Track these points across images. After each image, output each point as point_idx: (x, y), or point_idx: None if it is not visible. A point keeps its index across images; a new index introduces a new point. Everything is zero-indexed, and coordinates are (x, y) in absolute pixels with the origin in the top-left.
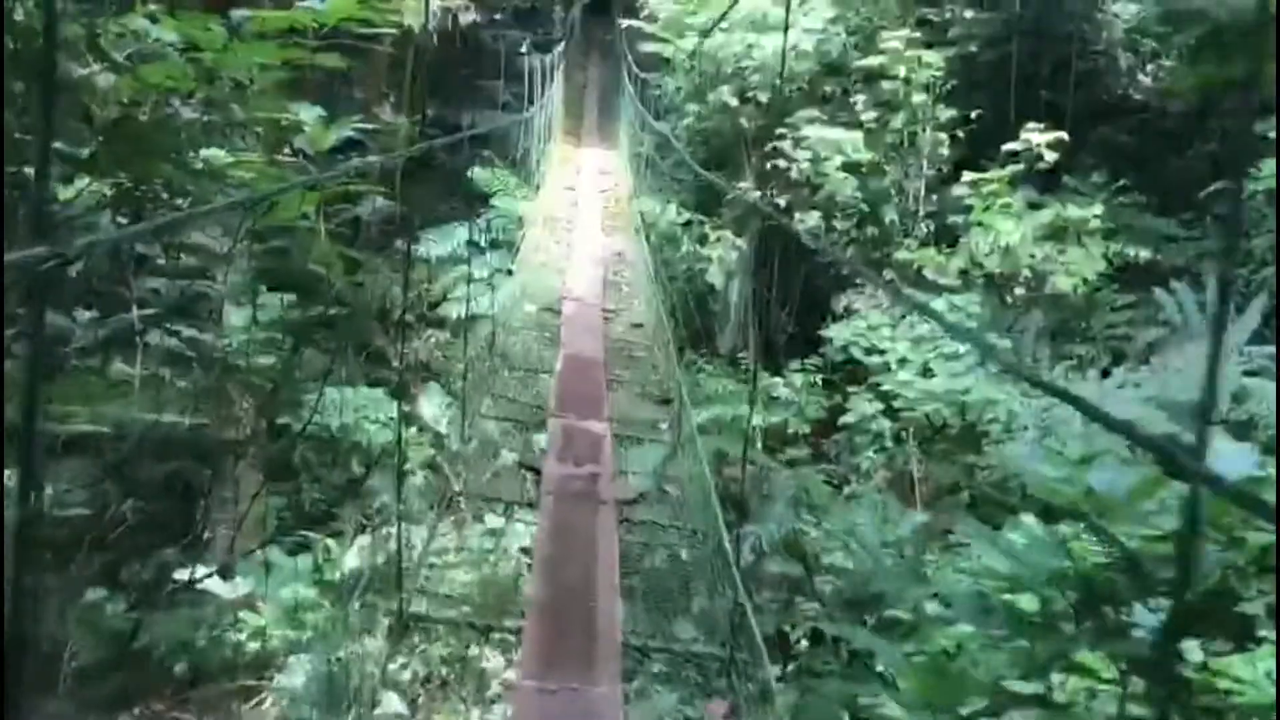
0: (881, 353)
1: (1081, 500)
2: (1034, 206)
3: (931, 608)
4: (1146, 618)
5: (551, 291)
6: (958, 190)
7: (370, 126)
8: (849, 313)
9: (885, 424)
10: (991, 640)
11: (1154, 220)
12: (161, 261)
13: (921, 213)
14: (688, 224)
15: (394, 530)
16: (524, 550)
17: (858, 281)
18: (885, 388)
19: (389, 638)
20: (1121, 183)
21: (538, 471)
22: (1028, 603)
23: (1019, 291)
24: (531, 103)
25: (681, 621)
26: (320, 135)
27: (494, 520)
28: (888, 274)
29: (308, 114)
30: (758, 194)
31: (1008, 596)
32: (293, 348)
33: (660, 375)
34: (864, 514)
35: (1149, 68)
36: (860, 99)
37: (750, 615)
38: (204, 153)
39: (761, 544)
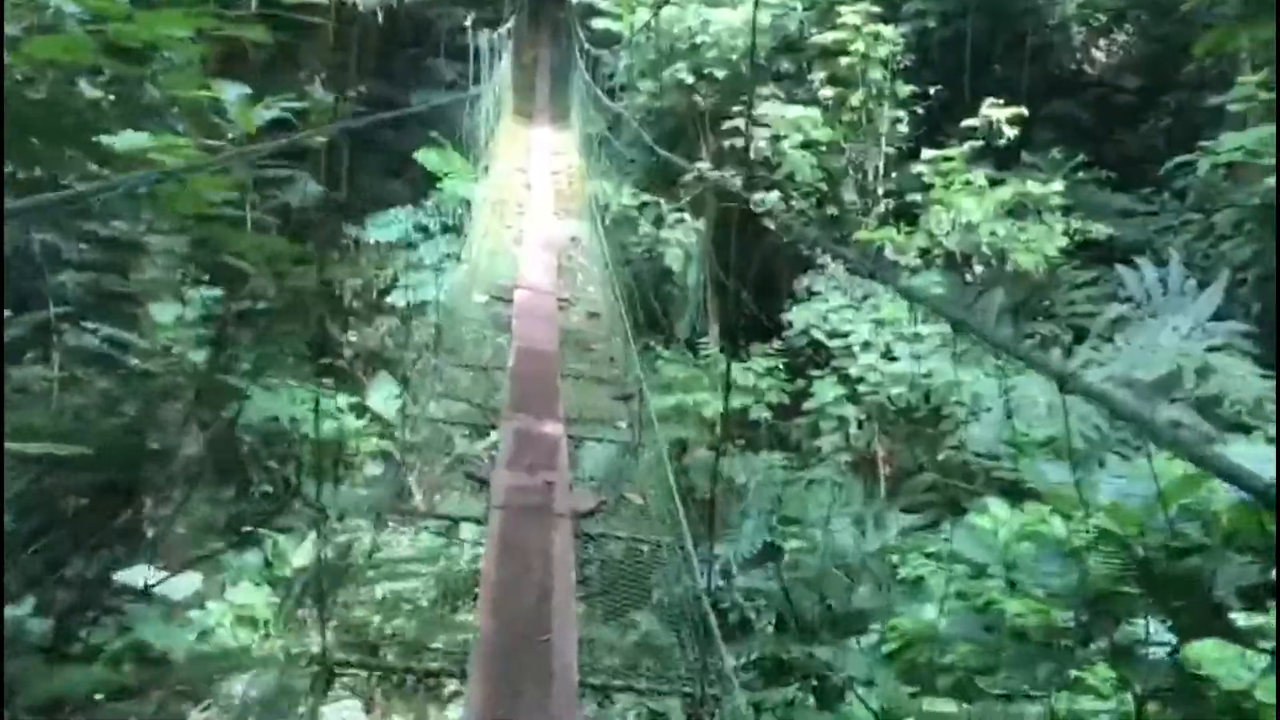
0: (844, 335)
1: (1091, 506)
2: (993, 183)
3: (919, 624)
4: (1163, 634)
5: (503, 279)
6: (916, 168)
7: (300, 105)
8: (810, 294)
9: (849, 409)
10: (993, 659)
11: (1112, 196)
12: (72, 258)
13: (880, 191)
14: (643, 206)
15: (339, 527)
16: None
17: (819, 263)
18: (850, 371)
19: (313, 689)
20: (1080, 158)
21: (484, 482)
22: (1030, 616)
23: (979, 270)
24: (478, 81)
25: (648, 652)
26: (245, 115)
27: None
28: (852, 251)
29: (232, 92)
30: (716, 173)
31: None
32: (212, 342)
33: (619, 368)
34: (844, 523)
35: (1102, 42)
36: (818, 76)
37: (721, 648)
38: (117, 136)
39: (732, 565)
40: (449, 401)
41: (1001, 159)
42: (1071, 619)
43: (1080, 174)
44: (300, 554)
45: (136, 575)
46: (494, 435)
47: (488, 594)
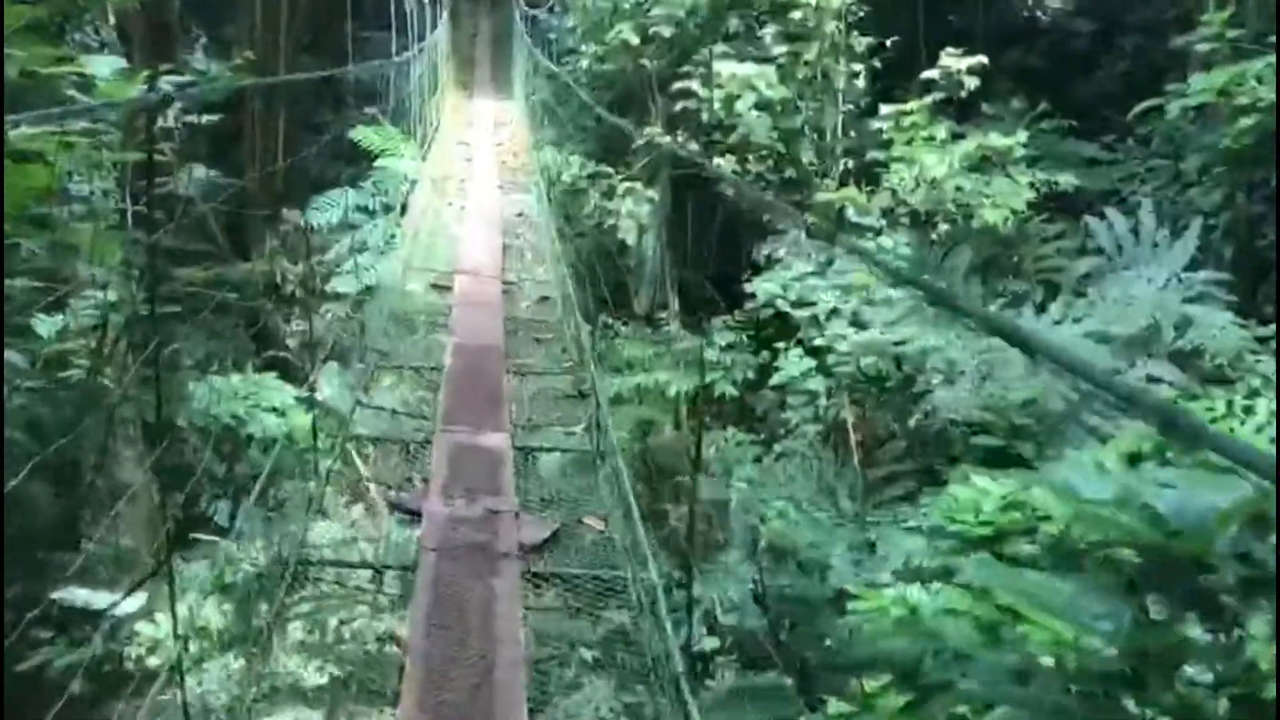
0: (810, 305)
1: (1145, 531)
2: (955, 137)
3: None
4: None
5: (442, 264)
6: (875, 124)
7: (186, 79)
8: (771, 262)
9: (818, 381)
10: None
11: (1076, 145)
12: None
13: (839, 150)
14: (594, 176)
15: (294, 528)
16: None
17: (779, 228)
18: (818, 342)
19: None
20: (1042, 107)
21: (415, 514)
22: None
23: (944, 228)
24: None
25: None
26: (119, 90)
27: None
28: (809, 218)
29: (101, 65)
30: (667, 139)
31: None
32: (136, 344)
33: (572, 360)
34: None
35: None
36: (769, 32)
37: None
38: None
39: (715, 612)
40: (370, 415)
41: (962, 112)
42: (1110, 654)
43: (1043, 124)
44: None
45: (77, 595)
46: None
47: (415, 677)
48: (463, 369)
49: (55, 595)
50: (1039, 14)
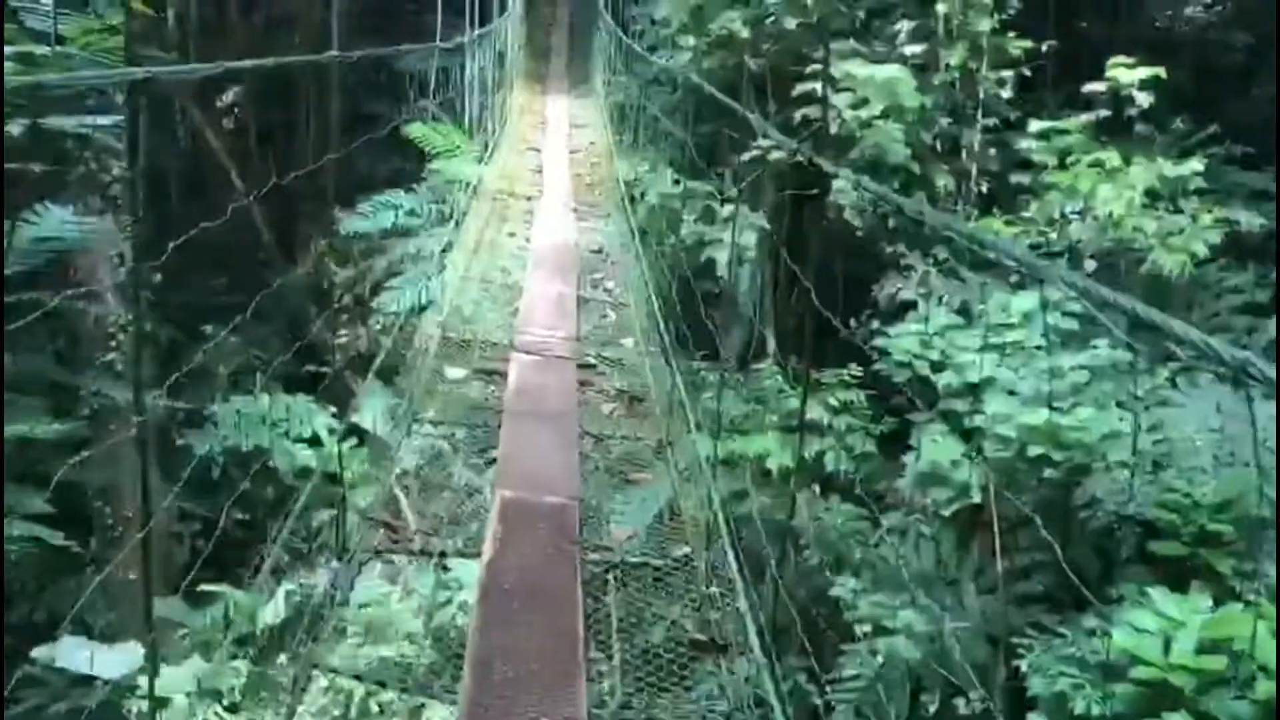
0: (949, 367)
1: None
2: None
3: None
4: None
5: (494, 329)
6: (1023, 142)
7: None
8: (895, 305)
9: (970, 472)
10: None
11: (1246, 175)
12: None
13: (974, 172)
14: (687, 194)
15: (320, 578)
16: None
17: (902, 263)
18: (972, 421)
19: None
20: (1212, 129)
21: None
22: None
23: (1091, 268)
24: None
25: None
26: None
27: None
28: (940, 252)
29: None
30: (789, 148)
31: None
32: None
33: (690, 529)
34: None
35: None
36: (904, 27)
37: None
38: None
39: None
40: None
41: (1111, 131)
42: None
43: (1214, 149)
44: (272, 609)
45: (68, 648)
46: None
47: None
48: (514, 579)
49: (38, 653)
50: (1176, 24)
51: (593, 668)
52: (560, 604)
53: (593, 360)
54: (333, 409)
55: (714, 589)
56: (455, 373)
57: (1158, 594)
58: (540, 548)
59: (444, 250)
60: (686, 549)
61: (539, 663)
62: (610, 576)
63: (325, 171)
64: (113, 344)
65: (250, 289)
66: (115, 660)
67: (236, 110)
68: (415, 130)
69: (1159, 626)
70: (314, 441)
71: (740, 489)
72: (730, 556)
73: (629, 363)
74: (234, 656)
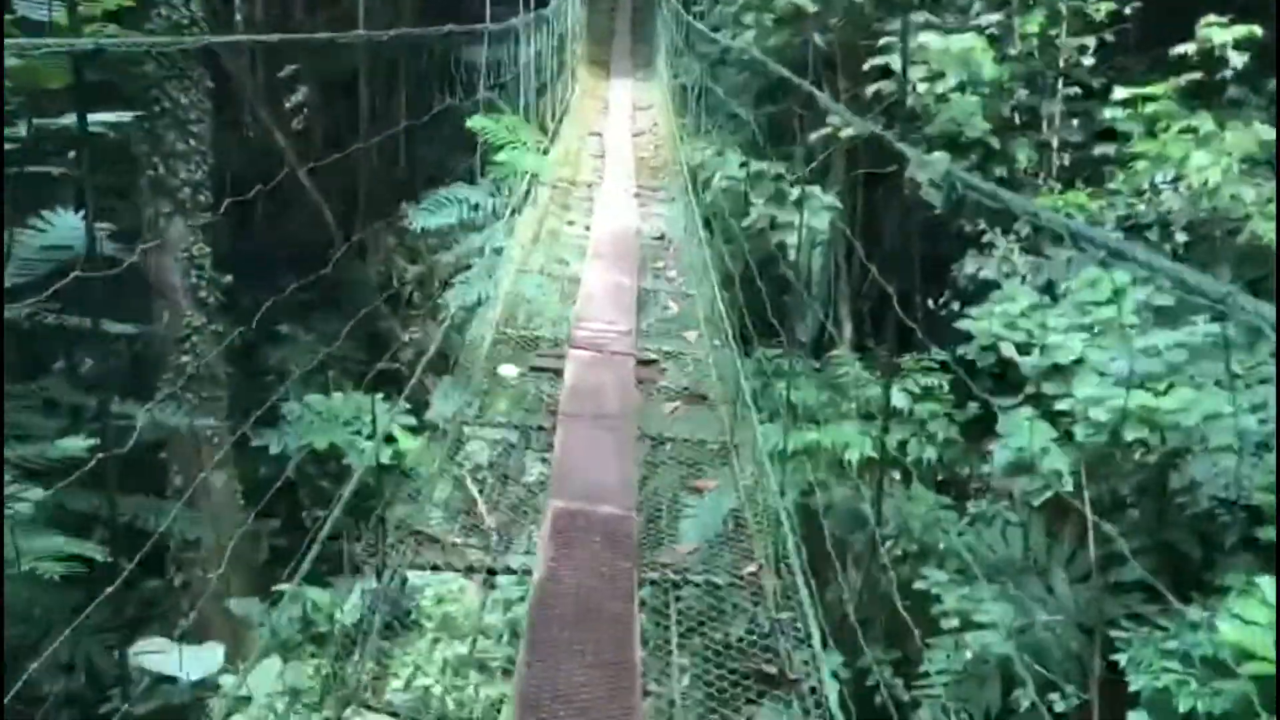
0: (1037, 348)
1: None
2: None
3: None
4: None
5: (550, 324)
6: (1107, 111)
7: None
8: (977, 285)
9: (1060, 458)
10: None
11: None
12: None
13: (1055, 144)
14: (755, 176)
15: (393, 576)
16: None
17: (983, 241)
18: (1061, 405)
19: None
20: None
21: None
22: None
23: (1181, 240)
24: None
25: None
26: None
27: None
28: (1023, 229)
29: None
30: (860, 125)
31: None
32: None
33: (755, 549)
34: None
35: None
36: None
37: None
38: None
39: None
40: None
41: (1203, 95)
42: None
43: None
44: (351, 607)
45: (153, 648)
46: None
47: None
48: (567, 604)
49: (133, 659)
50: None
51: (649, 702)
52: (616, 632)
53: (653, 356)
54: (407, 405)
55: (784, 614)
56: (509, 370)
57: (1266, 583)
58: (595, 566)
59: (502, 244)
60: (753, 566)
61: (589, 697)
62: (670, 599)
63: (392, 168)
64: (185, 347)
65: (321, 288)
66: (199, 660)
67: (305, 110)
68: (477, 122)
69: (1269, 619)
70: (389, 439)
71: (815, 481)
72: (800, 579)
73: (691, 357)
74: (313, 655)
